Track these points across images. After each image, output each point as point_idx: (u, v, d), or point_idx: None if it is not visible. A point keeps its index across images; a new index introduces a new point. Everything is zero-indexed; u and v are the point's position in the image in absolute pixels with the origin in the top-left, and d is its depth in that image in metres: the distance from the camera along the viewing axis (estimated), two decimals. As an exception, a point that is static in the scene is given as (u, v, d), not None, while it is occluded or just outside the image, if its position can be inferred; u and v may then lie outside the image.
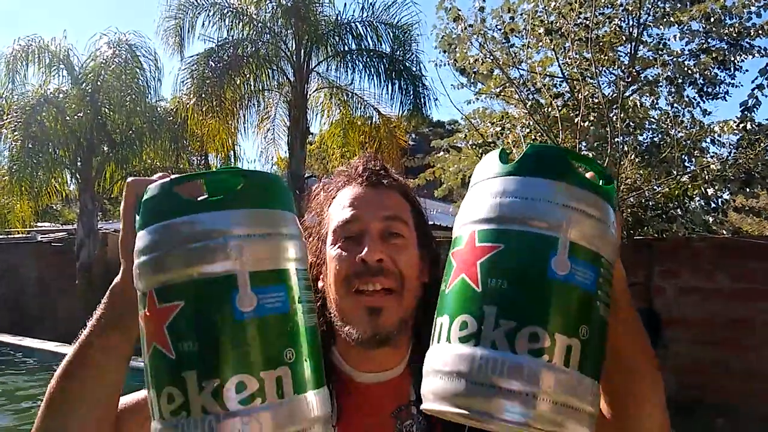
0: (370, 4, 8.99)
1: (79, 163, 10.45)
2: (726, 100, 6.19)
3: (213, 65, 8.79)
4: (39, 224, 14.87)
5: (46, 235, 12.42)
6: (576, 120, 5.27)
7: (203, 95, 8.60)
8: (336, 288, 0.93)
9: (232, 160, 10.32)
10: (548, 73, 6.05)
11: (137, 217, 0.69)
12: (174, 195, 0.65)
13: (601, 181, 0.70)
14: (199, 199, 0.68)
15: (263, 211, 0.66)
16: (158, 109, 10.94)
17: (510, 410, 0.60)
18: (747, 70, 6.13)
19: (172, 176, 0.68)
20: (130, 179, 0.79)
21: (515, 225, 0.63)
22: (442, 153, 6.96)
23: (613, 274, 0.68)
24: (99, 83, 10.12)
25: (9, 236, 13.23)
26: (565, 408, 0.60)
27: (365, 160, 1.02)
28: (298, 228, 0.70)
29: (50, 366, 8.05)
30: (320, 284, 0.98)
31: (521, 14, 5.82)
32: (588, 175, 0.71)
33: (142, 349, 0.69)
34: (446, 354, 0.63)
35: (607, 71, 5.90)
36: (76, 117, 10.19)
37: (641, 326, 0.88)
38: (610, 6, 5.65)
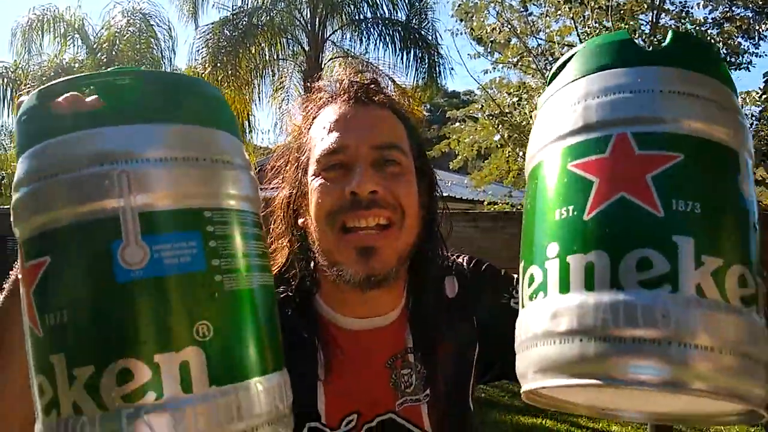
0: (386, -29, 8.88)
1: (95, 134, 10.55)
2: (749, 70, 6.06)
3: (228, 34, 8.74)
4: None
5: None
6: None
7: (218, 64, 8.58)
8: (320, 225, 0.79)
9: (247, 130, 10.31)
10: (567, 43, 5.95)
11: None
12: (39, 110, 0.48)
13: None
14: (74, 112, 0.47)
15: (163, 126, 0.47)
16: (173, 78, 10.94)
17: (707, 372, 0.44)
18: (772, 39, 5.99)
19: (46, 84, 0.50)
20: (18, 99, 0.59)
21: (696, 130, 0.49)
22: (457, 124, 6.91)
23: None
24: (114, 53, 10.13)
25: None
26: (757, 365, 0.47)
27: (353, 71, 0.86)
28: (230, 151, 0.52)
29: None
30: (300, 221, 0.85)
31: (540, -19, 5.71)
32: None
33: None
34: (608, 305, 0.45)
35: (628, 40, 5.80)
36: (91, 87, 10.24)
37: None
38: (631, -28, 5.53)
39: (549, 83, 0.59)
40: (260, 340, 0.50)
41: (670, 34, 0.54)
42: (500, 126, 5.86)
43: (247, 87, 9.15)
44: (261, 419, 0.48)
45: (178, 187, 0.47)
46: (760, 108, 5.55)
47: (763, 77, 5.50)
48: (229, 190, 0.50)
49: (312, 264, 0.84)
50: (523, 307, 0.53)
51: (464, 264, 0.93)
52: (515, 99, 6.17)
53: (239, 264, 0.49)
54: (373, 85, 0.86)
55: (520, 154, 5.85)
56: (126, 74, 0.50)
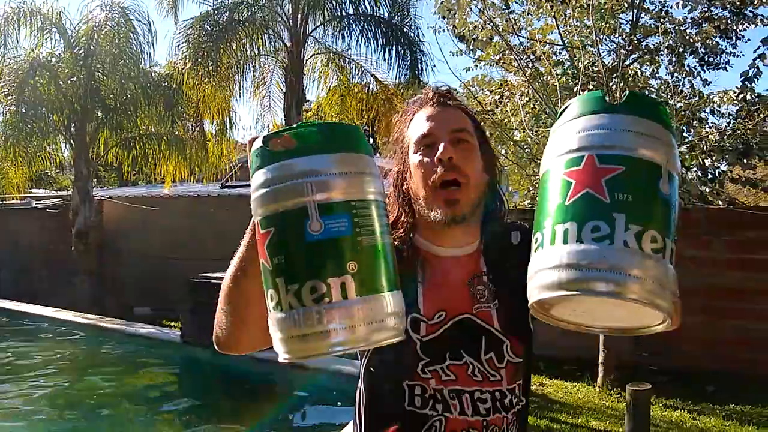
0: (368, -33, 8.83)
1: (73, 129, 10.33)
2: (727, 70, 6.14)
3: (209, 29, 8.64)
4: (33, 190, 14.81)
5: (41, 201, 12.38)
6: (575, 89, 5.23)
7: (199, 59, 8.48)
8: (421, 185, 1.17)
9: (228, 126, 10.21)
10: (548, 41, 5.98)
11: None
12: (263, 149, 0.85)
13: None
14: (279, 150, 0.84)
15: (332, 155, 0.82)
16: (153, 74, 10.77)
17: (650, 292, 0.77)
18: (749, 40, 6.08)
19: (265, 134, 0.86)
20: (250, 137, 0.95)
21: (633, 153, 0.80)
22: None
23: None
24: (92, 47, 9.95)
25: (4, 202, 13.20)
26: (671, 294, 0.79)
27: (434, 88, 1.26)
28: (368, 166, 0.85)
29: (47, 331, 8.11)
30: (405, 186, 1.23)
31: (522, -21, 5.72)
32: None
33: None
34: (578, 249, 0.78)
35: (608, 39, 5.83)
36: (69, 81, 10.04)
37: None
38: (612, -28, 5.56)
39: (558, 117, 0.91)
40: (385, 273, 0.82)
41: (627, 94, 0.87)
42: (482, 124, 5.87)
43: (227, 83, 9.05)
44: (387, 315, 0.81)
45: (337, 189, 0.80)
46: (737, 107, 5.63)
47: (740, 77, 5.58)
48: (366, 189, 0.83)
49: (413, 215, 1.22)
50: (532, 257, 0.85)
51: (525, 224, 1.26)
52: (497, 97, 6.19)
53: (372, 231, 0.82)
54: (448, 93, 1.25)
55: (502, 151, 5.87)
56: (307, 125, 0.85)
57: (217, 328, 1.08)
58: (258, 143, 0.85)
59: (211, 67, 8.46)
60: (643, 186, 0.79)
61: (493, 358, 1.14)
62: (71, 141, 10.48)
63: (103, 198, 11.46)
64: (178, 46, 8.91)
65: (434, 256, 1.21)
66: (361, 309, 0.78)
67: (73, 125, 10.29)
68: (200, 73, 8.47)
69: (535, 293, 0.83)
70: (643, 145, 0.80)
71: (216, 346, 1.11)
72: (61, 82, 10.00)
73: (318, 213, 0.79)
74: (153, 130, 10.78)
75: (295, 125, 0.86)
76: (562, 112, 0.90)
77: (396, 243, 1.04)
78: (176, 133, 10.68)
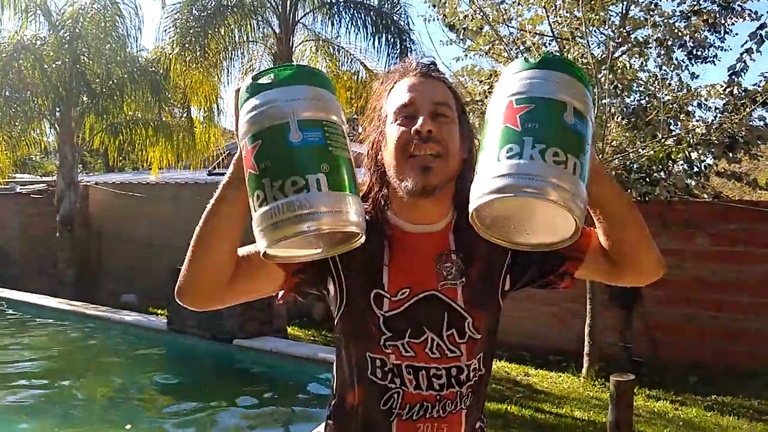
0: (359, -46, 8.75)
1: (58, 113, 10.21)
2: (715, 64, 6.18)
3: (197, 14, 8.53)
4: (18, 175, 14.63)
5: (26, 187, 12.23)
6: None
7: (186, 45, 8.37)
8: (396, 153, 1.17)
9: (215, 113, 10.12)
10: (538, 32, 5.97)
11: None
12: (253, 84, 1.01)
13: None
14: (265, 83, 1.00)
15: (307, 87, 1.00)
16: (140, 59, 10.65)
17: (545, 191, 0.90)
18: (737, 34, 6.13)
19: (253, 74, 1.02)
20: (234, 87, 1.07)
21: (542, 94, 0.96)
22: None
23: (593, 135, 1.00)
24: (77, 30, 9.80)
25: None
26: (571, 195, 0.91)
27: (418, 57, 1.27)
28: (333, 99, 1.02)
29: (32, 318, 8.05)
30: (379, 156, 1.23)
31: (513, -31, 5.70)
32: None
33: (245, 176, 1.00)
34: (497, 167, 0.93)
35: (598, 31, 5.84)
36: (54, 65, 9.90)
37: (619, 186, 1.17)
38: (603, -37, 5.55)
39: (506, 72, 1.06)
40: (348, 178, 0.97)
41: (543, 54, 1.09)
42: (471, 114, 5.86)
43: (215, 69, 8.96)
44: (349, 209, 0.95)
45: (311, 110, 0.98)
46: (724, 101, 5.66)
47: (728, 71, 5.61)
48: (332, 114, 1.00)
49: (386, 188, 1.22)
50: (479, 168, 0.98)
51: None
52: (486, 87, 6.18)
53: (338, 145, 0.98)
54: (432, 65, 1.24)
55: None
56: (286, 67, 1.02)
57: (181, 274, 1.12)
58: (248, 80, 1.02)
59: (198, 53, 8.37)
60: (548, 116, 0.95)
61: (455, 333, 1.19)
62: (56, 126, 10.36)
63: (88, 184, 11.35)
64: (166, 31, 8.79)
65: (403, 232, 1.22)
66: (330, 199, 0.93)
67: (58, 110, 10.16)
68: (188, 59, 8.37)
69: (471, 204, 0.97)
70: (550, 88, 0.96)
71: (176, 295, 1.14)
72: (45, 66, 9.86)
73: (297, 126, 0.95)
74: (140, 115, 10.68)
75: (275, 66, 1.02)
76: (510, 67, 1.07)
77: (366, 217, 1.08)
78: (163, 119, 10.59)
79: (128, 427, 4.43)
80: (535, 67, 1.00)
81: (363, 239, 1.00)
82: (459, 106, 1.24)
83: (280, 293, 1.23)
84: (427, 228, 1.22)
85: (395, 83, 1.23)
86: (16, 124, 10.14)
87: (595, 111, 5.00)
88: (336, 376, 1.28)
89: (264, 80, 1.01)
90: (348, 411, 1.24)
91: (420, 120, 1.14)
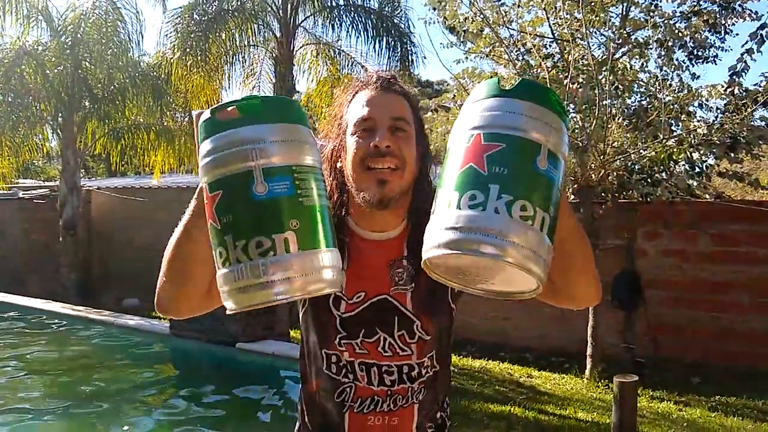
0: (359, -42, 8.78)
1: (60, 119, 10.24)
2: (716, 64, 6.18)
3: (198, 18, 8.56)
4: (20, 181, 14.66)
5: (28, 192, 12.26)
6: (565, 82, 5.24)
7: (188, 49, 8.40)
8: (354, 165, 1.21)
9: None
10: (538, 34, 5.98)
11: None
12: (212, 120, 0.91)
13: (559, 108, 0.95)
14: (226, 120, 0.91)
15: (275, 125, 0.90)
16: (141, 64, 10.68)
17: (506, 252, 0.83)
18: (737, 34, 6.11)
19: (213, 106, 0.93)
20: (195, 112, 1.02)
21: (515, 132, 0.88)
22: (430, 113, 6.90)
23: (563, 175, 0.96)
24: (79, 36, 9.83)
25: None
26: (534, 255, 0.85)
27: (378, 71, 1.30)
28: (306, 136, 0.94)
29: (35, 323, 8.06)
30: (339, 164, 1.26)
31: (513, -28, 5.71)
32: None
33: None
34: (457, 216, 0.85)
35: (598, 32, 5.84)
36: (56, 70, 9.93)
37: (577, 221, 1.14)
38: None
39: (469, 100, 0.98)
40: (323, 231, 0.91)
41: (519, 81, 0.94)
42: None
43: (216, 73, 8.99)
44: (324, 268, 0.89)
45: (279, 155, 0.88)
46: (725, 101, 5.66)
47: (729, 71, 5.61)
48: (305, 156, 0.91)
49: (345, 195, 1.26)
50: (437, 211, 0.91)
51: None
52: (487, 89, 6.18)
53: (311, 193, 0.90)
54: (392, 79, 1.27)
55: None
56: (251, 99, 0.92)
57: (159, 292, 1.15)
58: (206, 115, 0.93)
59: (199, 57, 8.40)
60: (519, 161, 0.86)
61: (405, 335, 1.25)
62: (58, 131, 10.39)
63: (91, 189, 11.37)
64: (167, 35, 8.84)
65: (360, 238, 1.28)
66: (301, 262, 0.86)
67: (60, 115, 10.19)
68: (189, 64, 8.40)
69: (424, 253, 0.92)
70: (525, 125, 0.88)
71: (157, 309, 1.18)
72: (47, 71, 9.89)
73: (263, 176, 0.86)
74: (141, 120, 10.69)
75: (239, 98, 0.93)
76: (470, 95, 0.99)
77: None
78: (165, 123, 10.61)
79: (125, 428, 4.43)
80: (509, 96, 0.91)
81: (337, 289, 0.96)
82: (417, 118, 1.27)
83: None
84: (382, 235, 1.28)
85: (356, 94, 1.26)
86: (19, 129, 10.16)
87: (596, 112, 5.02)
88: (301, 362, 1.37)
89: (224, 116, 0.90)
90: (311, 396, 1.34)
91: (378, 135, 1.18)
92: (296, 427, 1.40)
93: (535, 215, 0.85)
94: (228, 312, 0.92)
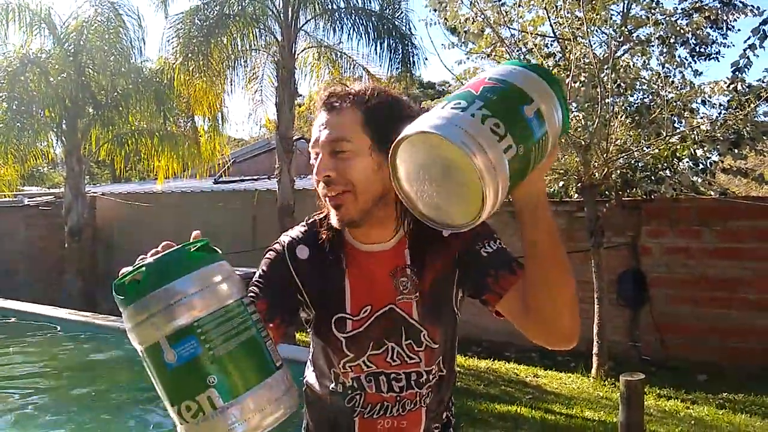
0: (359, -40, 8.79)
1: (64, 125, 10.28)
2: (718, 61, 6.17)
3: (199, 24, 8.58)
4: (26, 188, 14.71)
5: (33, 199, 12.31)
6: (567, 80, 5.24)
7: (190, 54, 8.42)
8: (319, 192, 1.22)
9: (220, 121, 10.15)
10: (539, 33, 5.98)
11: None
12: (117, 297, 0.95)
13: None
14: (127, 296, 0.94)
15: (158, 291, 0.90)
16: (144, 70, 10.72)
17: (468, 146, 0.89)
18: (739, 30, 6.11)
19: (115, 282, 0.96)
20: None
21: (515, 82, 0.98)
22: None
23: (546, 154, 1.01)
24: (82, 43, 9.88)
25: (-5, 200, 13.10)
26: (492, 167, 0.89)
27: (328, 87, 1.25)
28: (204, 279, 0.93)
29: (41, 329, 8.09)
30: None
31: (513, -28, 5.71)
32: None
33: None
34: (441, 111, 0.94)
35: (599, 31, 5.84)
36: (59, 78, 9.98)
37: (557, 232, 1.11)
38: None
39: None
40: (249, 369, 0.93)
41: (528, 63, 1.09)
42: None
43: (219, 78, 9.01)
44: (260, 407, 0.91)
45: (179, 316, 0.90)
46: (728, 98, 5.65)
47: (731, 67, 5.60)
48: (206, 300, 0.92)
49: None
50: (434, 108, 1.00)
51: None
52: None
53: (223, 338, 0.91)
54: (333, 96, 1.21)
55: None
56: (139, 267, 0.93)
57: None
58: (114, 292, 0.95)
59: (202, 62, 8.41)
60: (508, 98, 0.95)
61: (413, 343, 1.25)
62: (62, 138, 10.43)
63: (95, 195, 11.42)
64: (169, 41, 8.85)
65: (358, 251, 1.26)
66: (232, 413, 0.89)
67: (64, 121, 10.23)
68: (191, 69, 8.42)
69: (404, 132, 0.97)
70: (525, 83, 0.98)
71: None
72: (51, 78, 9.93)
73: (169, 344, 0.88)
74: (145, 126, 10.73)
75: (130, 270, 0.95)
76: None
77: (324, 242, 1.24)
78: (168, 129, 10.64)
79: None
80: (525, 67, 1.03)
81: (289, 411, 0.98)
82: (373, 121, 1.18)
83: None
84: (380, 246, 1.26)
85: (317, 114, 1.25)
86: (24, 137, 10.20)
87: (599, 111, 5.02)
88: (309, 370, 1.37)
89: (120, 295, 0.94)
90: (320, 399, 1.34)
91: (317, 165, 1.18)
92: (303, 427, 1.41)
93: (505, 136, 0.91)
94: None
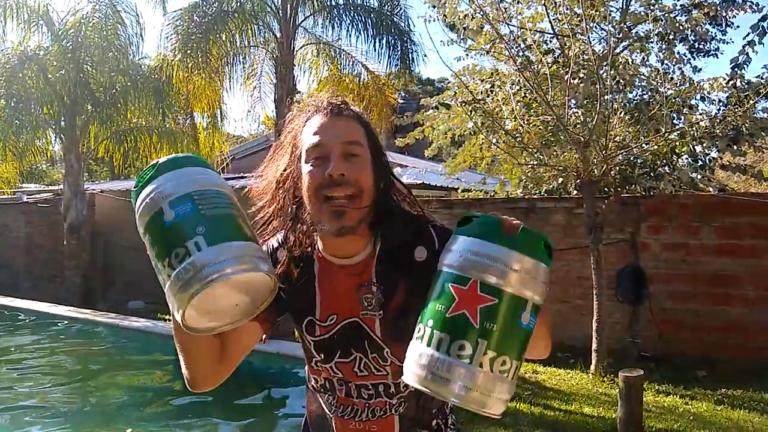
0: (358, -43, 8.78)
1: (62, 122, 10.27)
2: (717, 57, 6.19)
3: (198, 20, 8.58)
4: (24, 185, 14.69)
5: (32, 196, 12.30)
6: (566, 77, 5.23)
7: (188, 51, 8.42)
8: (310, 196, 1.20)
9: (219, 118, 10.15)
10: (538, 29, 5.97)
11: None
12: (132, 192, 1.13)
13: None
14: (141, 182, 1.12)
15: (168, 173, 1.09)
16: (142, 66, 10.70)
17: (486, 404, 0.96)
18: (738, 26, 6.13)
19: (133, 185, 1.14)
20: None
21: (509, 288, 0.96)
22: (431, 111, 6.90)
23: None
24: (80, 39, 9.86)
25: (-6, 197, 13.10)
26: (504, 402, 0.97)
27: (329, 95, 1.28)
28: (198, 171, 1.10)
29: (41, 326, 8.09)
30: (296, 190, 1.25)
31: (512, -32, 5.70)
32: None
33: None
34: (446, 362, 0.94)
35: (598, 27, 5.83)
36: (58, 74, 9.96)
37: (546, 334, 1.17)
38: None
39: (461, 224, 1.08)
40: (230, 229, 1.05)
41: (521, 229, 1.01)
42: (473, 113, 5.87)
43: (218, 74, 9.00)
44: (235, 255, 1.01)
45: (178, 188, 1.06)
46: (727, 94, 5.65)
47: (730, 64, 5.60)
48: (200, 183, 1.08)
49: (307, 223, 1.25)
50: (412, 341, 1.04)
51: (437, 235, 1.27)
52: (488, 86, 6.18)
53: (212, 206, 1.05)
54: (343, 104, 1.26)
55: (493, 141, 5.87)
56: (152, 165, 1.13)
57: (185, 377, 1.25)
58: (132, 191, 1.13)
59: (200, 59, 8.41)
60: (507, 318, 0.95)
61: (377, 357, 1.29)
62: (61, 135, 10.42)
63: (94, 192, 11.40)
64: (167, 38, 8.86)
65: (328, 262, 1.29)
66: (211, 253, 0.99)
67: (62, 119, 10.22)
68: (190, 65, 8.42)
69: (405, 375, 1.01)
70: (519, 283, 0.97)
71: (190, 389, 1.27)
72: (50, 75, 9.92)
73: (168, 206, 1.04)
74: (144, 123, 10.71)
75: (156, 161, 1.14)
76: (464, 222, 1.07)
77: (295, 250, 1.27)
78: (167, 125, 10.62)
79: (129, 431, 4.44)
80: (511, 247, 0.99)
81: (274, 281, 1.07)
82: (372, 139, 1.26)
83: (263, 337, 1.32)
84: (349, 261, 1.27)
85: (308, 120, 1.26)
86: (22, 134, 10.19)
87: (598, 107, 5.02)
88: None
89: (136, 186, 1.12)
90: (312, 394, 1.42)
91: (332, 164, 1.18)
92: (303, 420, 1.49)
93: (511, 368, 0.96)
94: (177, 317, 1.05)
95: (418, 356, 0.98)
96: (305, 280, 1.28)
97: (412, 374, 0.99)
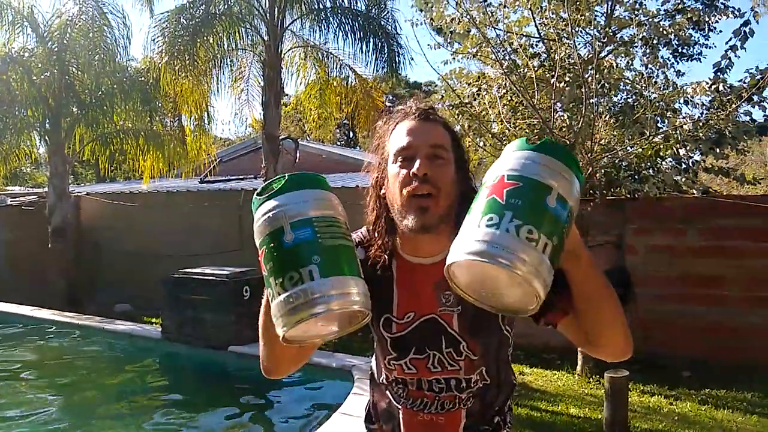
0: (345, -40, 8.78)
1: (47, 125, 10.18)
2: (700, 61, 6.25)
3: (185, 23, 8.53)
4: (8, 188, 14.54)
5: (17, 199, 12.18)
6: (552, 81, 5.28)
7: (176, 54, 8.37)
8: (395, 194, 1.29)
9: (206, 121, 10.10)
10: (525, 33, 6.01)
11: None
12: (255, 197, 1.18)
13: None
14: (263, 196, 1.17)
15: (295, 192, 1.15)
16: (129, 69, 10.64)
17: (512, 263, 0.97)
18: (721, 31, 6.19)
19: (257, 189, 1.20)
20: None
21: (532, 176, 1.04)
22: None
23: (573, 220, 1.06)
24: (65, 42, 9.78)
25: (-22, 200, 12.93)
26: (535, 271, 0.98)
27: (417, 102, 1.38)
28: (320, 196, 1.16)
29: (25, 330, 8.01)
30: (382, 191, 1.35)
31: (498, -28, 5.74)
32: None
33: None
34: (476, 232, 1.01)
35: (583, 31, 5.89)
36: (43, 77, 9.88)
37: (597, 267, 1.19)
38: (587, -36, 5.59)
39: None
40: (344, 263, 1.11)
41: (544, 140, 1.12)
42: (460, 116, 5.90)
43: (205, 77, 8.96)
44: (344, 290, 1.08)
45: (302, 211, 1.12)
46: (710, 98, 5.72)
47: (713, 68, 5.67)
48: (322, 209, 1.14)
49: (391, 222, 1.33)
50: (465, 226, 1.06)
51: None
52: (475, 89, 6.22)
53: (330, 236, 1.11)
54: (430, 110, 1.35)
55: (480, 143, 5.91)
56: (281, 178, 1.17)
57: (262, 361, 1.34)
58: (255, 195, 1.19)
59: (188, 62, 8.36)
60: (532, 197, 1.03)
61: (452, 352, 1.35)
62: (46, 137, 10.32)
63: (80, 194, 11.31)
64: (154, 40, 8.79)
65: (407, 262, 1.36)
66: (323, 286, 1.06)
67: (47, 121, 10.13)
68: (177, 68, 8.37)
69: (448, 260, 1.06)
70: (541, 171, 1.05)
71: (264, 375, 1.37)
72: (34, 78, 9.83)
73: (290, 228, 1.10)
74: (130, 125, 10.65)
75: (276, 177, 1.20)
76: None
77: (377, 249, 1.35)
78: (154, 128, 10.56)
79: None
80: (533, 150, 1.09)
81: (368, 317, 1.13)
82: (456, 145, 1.35)
83: None
84: (428, 260, 1.33)
85: (397, 125, 1.35)
86: (6, 136, 10.09)
87: (583, 110, 5.07)
88: (374, 360, 1.51)
89: (263, 194, 1.18)
90: (378, 386, 1.49)
91: (417, 163, 1.26)
92: (366, 406, 1.56)
93: (539, 239, 1.00)
94: (280, 335, 1.11)
95: (456, 241, 1.06)
96: (384, 278, 1.34)
97: (452, 255, 1.05)
